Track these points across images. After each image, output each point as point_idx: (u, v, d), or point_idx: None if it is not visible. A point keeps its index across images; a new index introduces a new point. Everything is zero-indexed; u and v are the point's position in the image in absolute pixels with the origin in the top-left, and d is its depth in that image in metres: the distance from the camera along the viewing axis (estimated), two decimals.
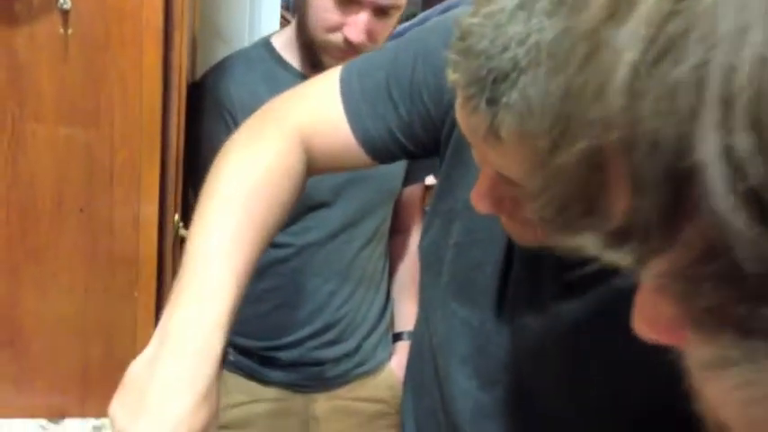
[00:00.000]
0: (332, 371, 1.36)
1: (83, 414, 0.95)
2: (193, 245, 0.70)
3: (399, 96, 0.77)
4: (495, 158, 0.58)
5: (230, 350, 1.24)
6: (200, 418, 0.62)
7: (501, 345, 0.75)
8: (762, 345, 0.23)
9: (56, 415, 0.95)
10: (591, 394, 0.70)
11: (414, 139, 0.78)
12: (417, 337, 0.92)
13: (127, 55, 0.81)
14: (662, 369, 0.66)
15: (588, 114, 0.24)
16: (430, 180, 1.65)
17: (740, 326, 0.23)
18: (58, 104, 0.81)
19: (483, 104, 0.53)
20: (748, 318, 0.23)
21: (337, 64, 0.82)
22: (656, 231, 0.24)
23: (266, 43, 1.31)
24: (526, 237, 0.65)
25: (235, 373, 1.31)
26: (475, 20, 0.54)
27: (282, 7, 1.79)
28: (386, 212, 1.38)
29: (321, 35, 1.17)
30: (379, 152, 0.79)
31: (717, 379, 0.27)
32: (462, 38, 0.55)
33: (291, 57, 1.27)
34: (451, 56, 0.56)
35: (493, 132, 0.54)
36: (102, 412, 0.96)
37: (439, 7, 1.98)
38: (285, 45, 1.28)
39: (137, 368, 0.65)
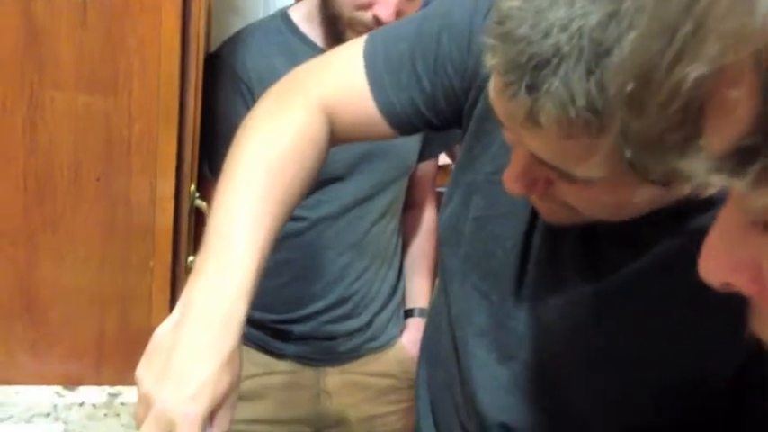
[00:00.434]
0: (344, 345, 1.36)
1: (98, 382, 0.96)
2: (217, 215, 0.70)
3: (423, 68, 0.76)
4: (532, 142, 0.57)
5: None
6: (223, 383, 0.63)
7: (520, 319, 0.75)
8: None
9: (72, 382, 0.96)
10: (609, 372, 0.70)
11: (436, 111, 0.78)
12: (435, 309, 0.92)
13: (146, 22, 0.80)
14: (683, 345, 0.66)
15: (724, 28, 0.24)
16: (443, 160, 1.65)
17: None
18: (77, 71, 0.81)
19: (522, 91, 0.52)
20: None
21: None
22: None
23: (284, 15, 1.30)
24: (558, 215, 0.65)
25: (247, 345, 1.32)
26: (514, 3, 0.53)
27: None
28: (399, 188, 1.38)
29: (349, 11, 1.16)
30: (402, 124, 0.79)
31: None
32: (501, 22, 0.53)
33: (310, 30, 1.26)
34: (489, 40, 0.55)
35: (532, 118, 0.53)
36: (117, 380, 0.97)
37: None
38: (304, 18, 1.27)
39: (161, 334, 0.66)
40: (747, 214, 0.27)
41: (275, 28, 1.28)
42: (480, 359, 0.80)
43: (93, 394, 0.95)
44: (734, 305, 0.32)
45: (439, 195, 1.54)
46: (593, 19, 0.49)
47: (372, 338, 1.39)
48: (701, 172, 0.26)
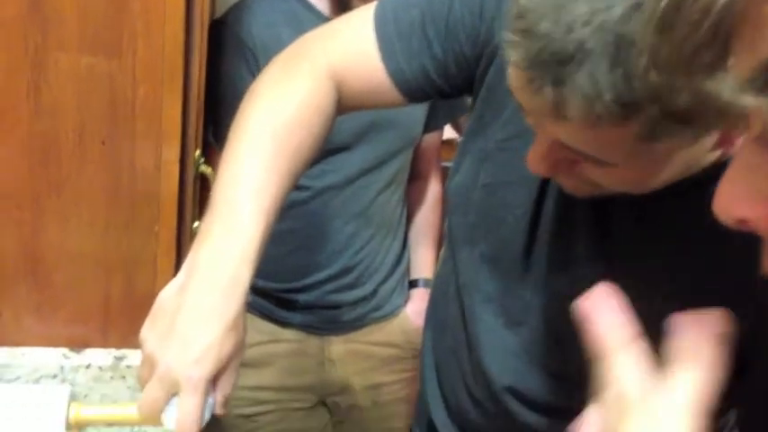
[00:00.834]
0: (348, 314, 1.37)
1: (104, 345, 0.97)
2: (223, 180, 0.70)
3: (435, 35, 0.76)
4: (557, 131, 0.56)
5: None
6: (227, 347, 0.64)
7: (528, 286, 0.76)
8: None
9: (78, 345, 0.97)
10: None
11: (447, 77, 0.78)
12: (442, 277, 0.92)
13: None
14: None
15: None
16: (447, 134, 1.64)
17: None
18: (80, 33, 0.80)
19: (548, 86, 0.52)
20: None
21: None
22: None
23: None
24: (581, 190, 0.65)
25: (252, 313, 1.33)
26: None
27: None
28: (405, 159, 1.37)
29: None
30: (412, 91, 0.78)
31: None
32: (521, 16, 0.53)
33: None
34: (510, 36, 0.54)
35: (557, 111, 0.53)
36: (123, 343, 0.97)
37: None
38: None
39: (166, 296, 0.66)
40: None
41: None
42: (488, 325, 0.81)
43: (99, 357, 0.96)
44: (744, 270, 0.33)
45: (444, 170, 1.54)
46: (617, 12, 0.49)
47: (377, 308, 1.39)
48: (727, 92, 0.26)
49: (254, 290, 1.39)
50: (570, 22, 0.50)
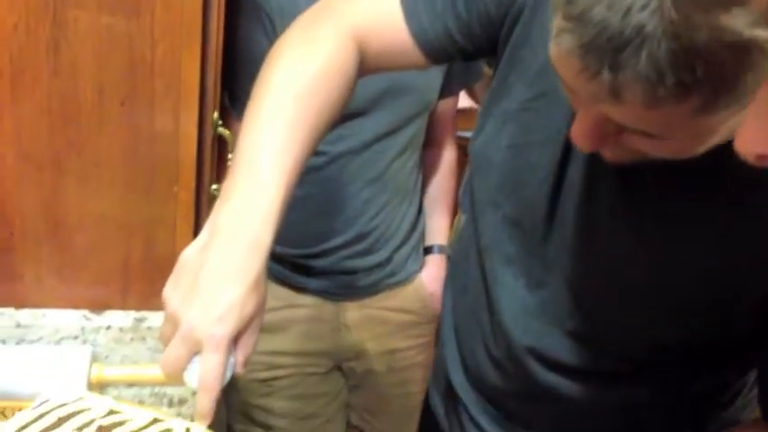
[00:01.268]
0: (363, 280, 1.37)
1: (124, 307, 0.97)
2: (245, 140, 0.70)
3: None
4: (611, 112, 0.55)
5: None
6: (250, 306, 0.64)
7: (550, 247, 0.76)
8: None
9: (98, 307, 0.97)
10: (640, 297, 0.70)
11: (471, 38, 0.77)
12: (464, 239, 0.92)
13: None
14: (716, 271, 0.66)
15: None
16: (463, 103, 1.63)
17: None
18: None
19: (605, 72, 0.51)
20: None
21: None
22: None
23: None
24: (623, 158, 0.64)
25: (268, 279, 1.33)
26: None
27: None
28: (420, 125, 1.37)
29: None
30: (435, 51, 0.78)
31: None
32: (571, 2, 0.51)
33: None
34: (561, 22, 0.52)
35: (614, 95, 0.52)
36: (143, 305, 0.98)
37: None
38: None
39: (189, 256, 0.66)
40: None
41: None
42: (508, 286, 0.81)
43: (119, 318, 0.97)
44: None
45: (459, 139, 1.53)
46: None
47: (392, 274, 1.40)
48: (743, 26, 0.26)
49: (271, 255, 1.39)
50: (626, 6, 0.48)
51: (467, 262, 0.89)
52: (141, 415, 0.66)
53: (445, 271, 1.35)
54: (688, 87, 0.49)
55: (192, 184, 0.92)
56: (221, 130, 1.01)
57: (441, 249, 1.45)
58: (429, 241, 1.46)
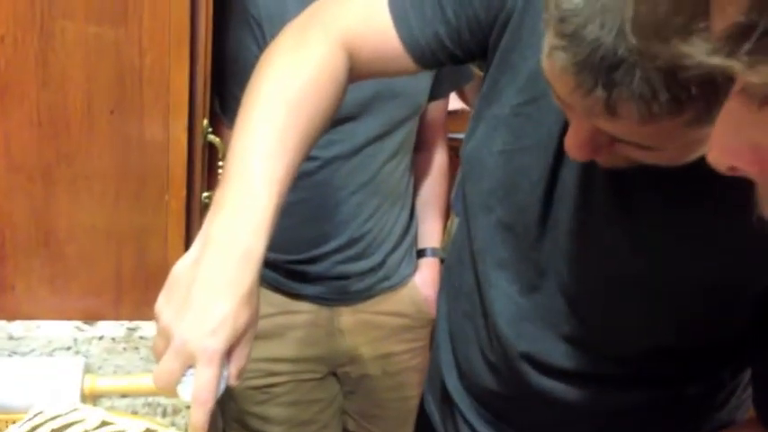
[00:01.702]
0: (357, 285, 1.37)
1: (117, 317, 0.97)
2: (236, 149, 0.70)
3: (448, 0, 0.75)
4: (606, 126, 0.56)
5: None
6: (242, 319, 0.64)
7: (543, 251, 0.76)
8: None
9: (91, 317, 0.97)
10: (634, 300, 0.70)
11: (461, 43, 0.77)
12: (457, 243, 0.92)
13: None
14: (711, 274, 0.66)
15: None
16: (453, 105, 1.63)
17: None
18: (86, 1, 0.79)
19: (599, 90, 0.51)
20: None
21: None
22: None
23: None
24: (617, 164, 0.64)
25: (262, 286, 1.32)
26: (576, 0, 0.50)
27: None
28: (411, 128, 1.37)
29: None
30: (425, 58, 0.78)
31: None
32: (563, 20, 0.51)
33: None
34: (553, 39, 0.53)
35: (609, 111, 0.52)
36: (135, 315, 0.98)
37: None
38: None
39: (181, 269, 0.66)
40: (749, 95, 0.28)
41: None
42: (502, 291, 0.81)
43: (112, 329, 0.97)
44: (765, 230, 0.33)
45: (450, 141, 1.53)
46: None
47: (385, 278, 1.40)
48: (701, 54, 0.27)
49: (264, 262, 1.39)
50: (619, 24, 0.48)
51: (461, 266, 0.89)
52: (135, 425, 0.65)
53: (439, 274, 1.35)
54: (682, 103, 0.49)
55: (183, 192, 0.92)
56: (211, 137, 1.00)
57: (434, 252, 1.45)
58: (422, 244, 1.46)
